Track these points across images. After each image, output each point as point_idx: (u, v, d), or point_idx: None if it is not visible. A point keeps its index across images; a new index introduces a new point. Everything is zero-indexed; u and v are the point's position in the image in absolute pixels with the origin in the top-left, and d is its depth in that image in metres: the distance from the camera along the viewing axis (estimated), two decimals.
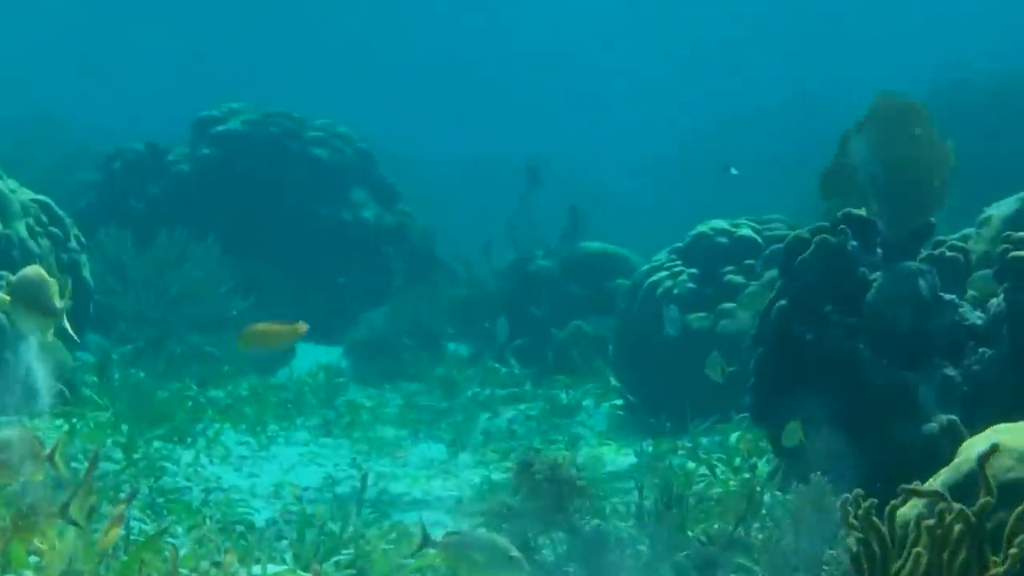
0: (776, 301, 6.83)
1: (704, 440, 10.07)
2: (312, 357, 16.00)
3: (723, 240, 11.93)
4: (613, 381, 12.99)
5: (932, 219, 6.61)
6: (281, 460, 10.27)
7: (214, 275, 14.60)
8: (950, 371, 6.17)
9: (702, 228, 12.16)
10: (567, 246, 15.65)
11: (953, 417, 5.94)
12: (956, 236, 7.59)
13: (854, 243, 6.63)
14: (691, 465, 9.28)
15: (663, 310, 10.17)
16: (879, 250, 6.68)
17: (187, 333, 14.10)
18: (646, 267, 12.45)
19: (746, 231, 11.93)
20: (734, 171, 13.59)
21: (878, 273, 6.52)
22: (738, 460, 8.91)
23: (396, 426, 12.20)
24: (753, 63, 50.31)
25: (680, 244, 12.33)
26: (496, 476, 9.80)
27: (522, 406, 13.30)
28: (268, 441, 10.86)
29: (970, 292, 6.65)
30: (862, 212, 6.73)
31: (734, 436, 9.60)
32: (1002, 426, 3.99)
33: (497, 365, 14.42)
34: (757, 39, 53.95)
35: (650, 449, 10.17)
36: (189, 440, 10.34)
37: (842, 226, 6.65)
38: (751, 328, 8.14)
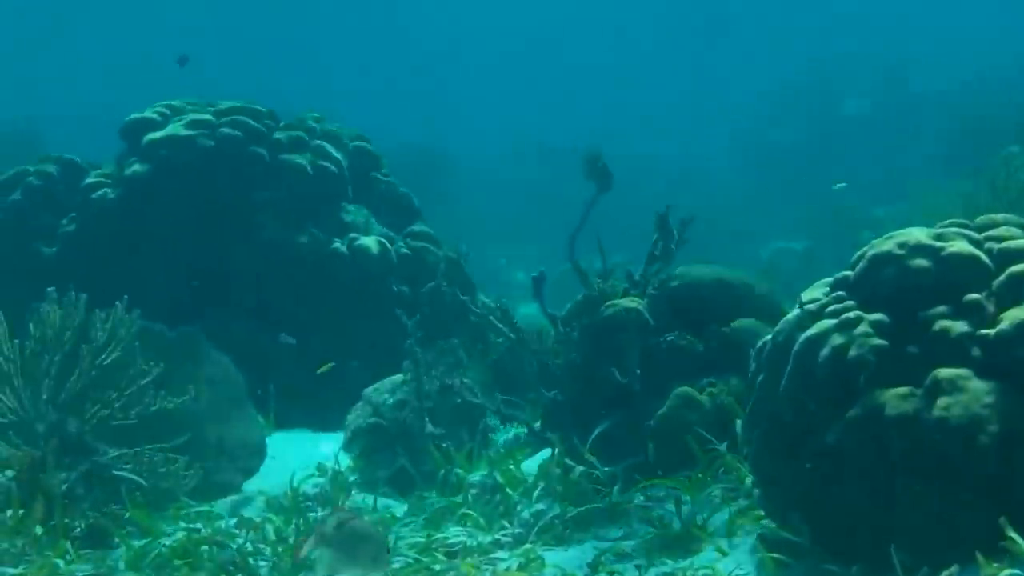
0: None
1: None
2: (297, 454, 12.89)
3: (923, 263, 8.29)
4: (750, 480, 9.53)
5: None
6: None
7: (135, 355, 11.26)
8: None
9: (883, 247, 8.51)
10: (657, 274, 12.13)
11: None
12: None
13: None
14: None
15: None
16: None
17: (92, 446, 10.79)
18: (793, 313, 8.86)
19: (961, 245, 8.31)
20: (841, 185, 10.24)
21: None
22: None
23: None
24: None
25: (848, 272, 8.71)
26: None
27: (613, 532, 9.84)
28: None
29: None
30: None
31: None
32: None
33: (568, 462, 10.89)
34: None
35: None
36: None
37: None
38: None
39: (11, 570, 8.77)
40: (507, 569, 9.08)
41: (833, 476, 8.04)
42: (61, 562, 8.96)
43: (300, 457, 13.23)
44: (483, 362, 14.43)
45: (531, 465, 11.78)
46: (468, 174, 35.55)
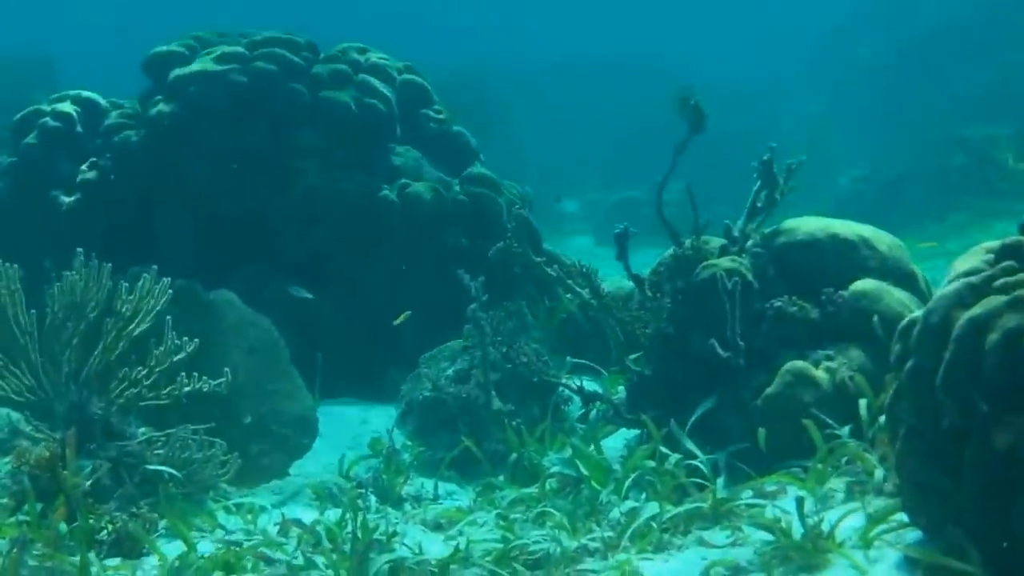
0: None
1: None
2: (345, 430, 11.85)
3: None
4: (880, 473, 8.34)
5: None
6: None
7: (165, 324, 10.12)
8: None
9: None
10: (758, 228, 10.94)
11: None
12: None
13: None
14: None
15: None
16: None
17: (119, 429, 9.69)
18: (951, 287, 7.63)
19: None
20: None
21: None
22: None
23: None
24: None
25: (1020, 238, 7.47)
26: None
27: (719, 537, 8.62)
28: None
29: None
30: None
31: None
32: None
33: (663, 449, 9.68)
34: None
35: None
36: None
37: None
38: None
39: None
40: None
41: (1005, 489, 6.86)
42: None
43: (348, 433, 12.29)
44: (550, 322, 13.36)
45: (611, 443, 10.68)
46: (513, 96, 34.70)
